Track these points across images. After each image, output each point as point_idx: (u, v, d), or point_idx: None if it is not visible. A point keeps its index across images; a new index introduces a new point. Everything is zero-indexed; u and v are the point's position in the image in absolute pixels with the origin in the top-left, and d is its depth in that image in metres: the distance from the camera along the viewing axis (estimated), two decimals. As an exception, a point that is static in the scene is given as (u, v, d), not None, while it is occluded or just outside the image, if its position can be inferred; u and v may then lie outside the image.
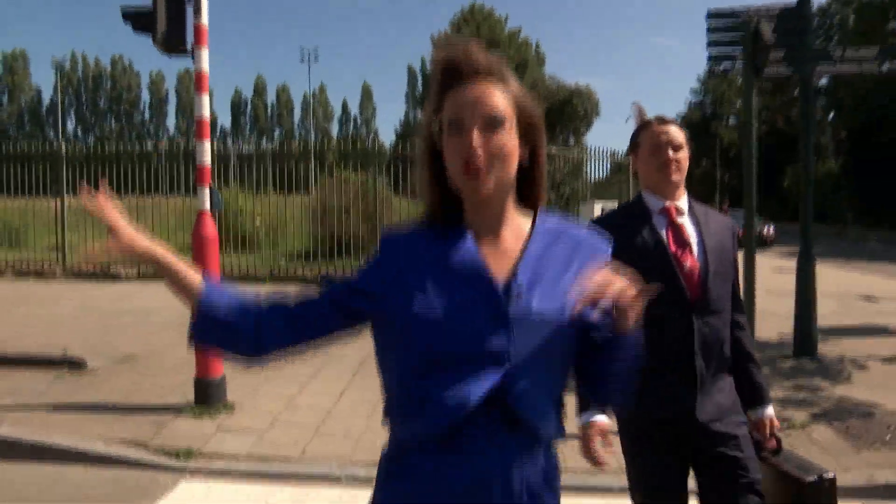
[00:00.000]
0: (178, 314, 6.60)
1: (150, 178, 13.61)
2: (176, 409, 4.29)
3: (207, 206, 4.31)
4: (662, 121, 2.02)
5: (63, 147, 12.62)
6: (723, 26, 5.60)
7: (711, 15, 5.77)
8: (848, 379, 5.33)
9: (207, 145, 4.27)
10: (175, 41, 4.10)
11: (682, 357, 1.88)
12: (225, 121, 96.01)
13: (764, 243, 24.19)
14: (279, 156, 15.34)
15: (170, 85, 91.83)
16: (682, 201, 2.01)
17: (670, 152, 1.96)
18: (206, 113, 4.24)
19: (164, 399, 4.50)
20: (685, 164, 1.99)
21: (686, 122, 63.82)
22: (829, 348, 6.35)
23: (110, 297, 9.46)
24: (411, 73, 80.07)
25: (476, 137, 1.08)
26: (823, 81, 50.05)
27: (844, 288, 11.61)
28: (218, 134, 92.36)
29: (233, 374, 4.50)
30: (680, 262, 1.91)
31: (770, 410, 2.05)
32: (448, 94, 1.12)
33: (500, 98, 1.11)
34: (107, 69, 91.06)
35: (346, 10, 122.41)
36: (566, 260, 1.17)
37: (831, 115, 46.81)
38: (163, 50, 4.13)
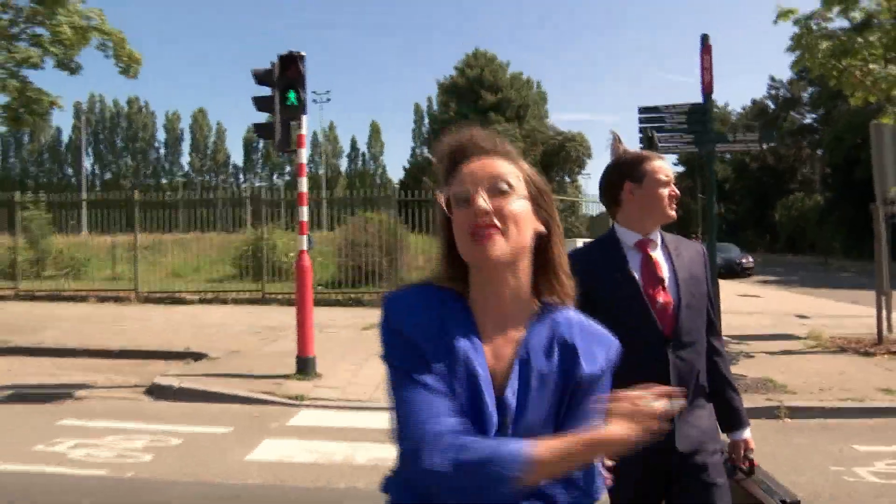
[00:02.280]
0: (247, 326, 9.26)
1: (199, 218, 16.13)
2: (284, 376, 6.64)
3: (305, 246, 6.71)
4: (660, 156, 2.06)
5: (136, 195, 15.13)
6: (645, 119, 8.06)
7: (641, 109, 8.24)
8: (735, 363, 7.61)
9: (306, 210, 6.68)
10: (285, 145, 6.56)
11: None
12: (237, 158, 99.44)
13: (742, 272, 26.39)
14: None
15: (185, 125, 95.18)
16: (655, 234, 2.03)
17: (674, 187, 2.01)
18: (305, 188, 6.68)
19: (274, 371, 6.85)
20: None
21: (685, 158, 66.89)
22: (738, 347, 8.60)
23: (185, 315, 11.85)
24: (418, 111, 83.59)
25: (482, 199, 1.04)
26: (807, 120, 53.07)
27: (791, 309, 13.93)
28: (230, 170, 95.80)
29: (319, 354, 6.89)
30: (653, 298, 1.92)
31: (746, 433, 2.09)
32: (454, 174, 1.10)
33: (506, 167, 1.09)
34: (124, 109, 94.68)
35: (356, 51, 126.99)
36: (558, 365, 1.09)
37: (820, 151, 49.38)
38: (277, 150, 6.59)
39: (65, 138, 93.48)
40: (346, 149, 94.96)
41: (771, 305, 14.96)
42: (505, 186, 1.06)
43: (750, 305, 14.84)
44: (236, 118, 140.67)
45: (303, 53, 6.48)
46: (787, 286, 21.94)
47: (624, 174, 2.03)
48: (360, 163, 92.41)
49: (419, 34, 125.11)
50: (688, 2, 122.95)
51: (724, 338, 2.12)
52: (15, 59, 10.87)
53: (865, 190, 30.42)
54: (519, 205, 1.07)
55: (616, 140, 2.17)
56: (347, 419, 5.57)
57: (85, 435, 4.99)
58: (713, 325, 2.08)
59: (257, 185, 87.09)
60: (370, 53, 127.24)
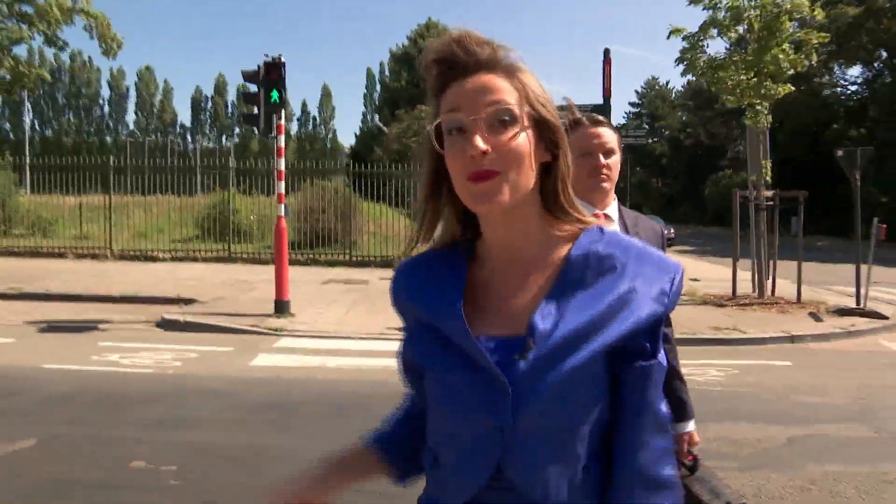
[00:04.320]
0: (221, 280, 11.17)
1: (156, 181, 17.54)
2: (265, 315, 8.47)
3: (283, 213, 8.49)
4: (595, 121, 1.87)
5: (112, 160, 16.45)
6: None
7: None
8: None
9: (283, 184, 8.47)
10: (267, 131, 8.29)
11: None
12: (185, 118, 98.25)
13: (666, 243, 29.03)
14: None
15: (130, 82, 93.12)
16: (611, 208, 1.89)
17: (601, 157, 1.83)
18: (283, 167, 8.45)
19: (255, 312, 8.67)
20: (616, 169, 1.86)
21: (631, 134, 69.88)
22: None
23: (163, 271, 13.46)
24: (370, 76, 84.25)
25: (479, 139, 0.85)
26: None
27: (689, 274, 16.32)
28: (178, 130, 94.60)
29: (293, 297, 8.76)
30: None
31: (690, 426, 1.99)
32: (446, 93, 0.90)
33: (507, 88, 0.89)
34: (66, 63, 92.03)
35: (309, 15, 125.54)
36: (605, 294, 0.88)
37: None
38: (261, 135, 8.32)
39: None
40: (297, 112, 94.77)
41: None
42: (507, 117, 0.87)
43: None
44: (184, 77, 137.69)
45: (283, 60, 8.19)
46: (699, 255, 24.55)
47: None
48: (310, 126, 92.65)
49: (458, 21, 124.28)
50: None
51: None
52: (10, 38, 12.14)
53: (787, 169, 33.30)
54: (522, 139, 0.87)
55: (571, 109, 1.86)
56: (317, 344, 7.47)
57: (124, 351, 6.77)
58: None
59: (205, 145, 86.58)
60: (324, 14, 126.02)
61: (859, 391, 5.92)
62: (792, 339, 8.20)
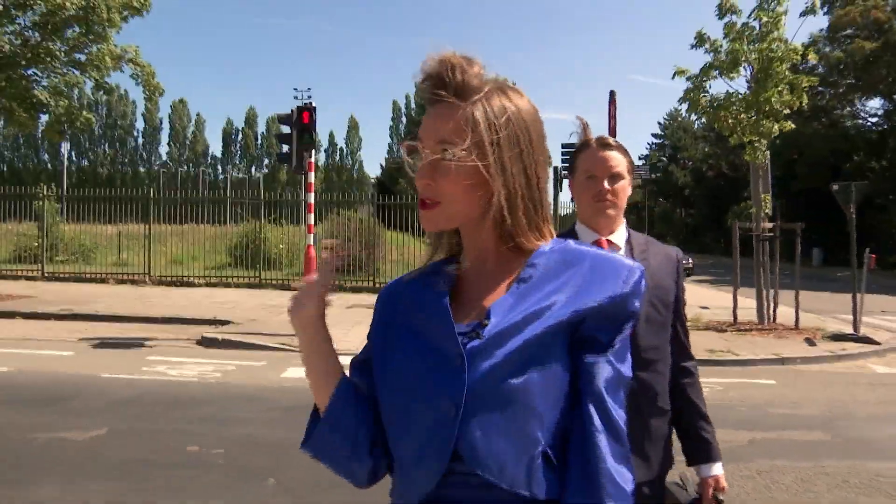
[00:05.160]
0: (253, 303, 12.03)
1: (202, 212, 18.62)
2: (294, 335, 9.27)
3: (312, 242, 9.35)
4: (604, 144, 1.79)
5: (152, 192, 17.58)
6: (567, 152, 10.81)
7: (563, 146, 11.00)
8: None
9: (312, 216, 9.35)
10: (299, 169, 9.19)
11: None
12: (216, 148, 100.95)
13: (684, 272, 29.49)
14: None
15: (163, 114, 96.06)
16: (618, 235, 1.81)
17: (606, 183, 1.76)
18: (312, 201, 9.33)
19: (285, 331, 9.47)
20: (624, 195, 1.79)
21: (652, 163, 70.55)
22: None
23: (199, 295, 14.39)
24: (396, 108, 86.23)
25: (422, 170, 0.95)
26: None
27: (700, 301, 16.81)
28: (209, 160, 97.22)
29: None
30: None
31: (717, 469, 1.86)
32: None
33: (458, 117, 0.93)
34: (103, 97, 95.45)
35: (337, 49, 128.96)
36: (559, 284, 0.94)
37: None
38: (294, 172, 9.22)
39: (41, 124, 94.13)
40: (325, 143, 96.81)
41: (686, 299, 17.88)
42: (446, 147, 0.93)
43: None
44: (216, 109, 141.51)
45: (314, 105, 9.13)
46: (717, 285, 24.98)
47: (569, 166, 1.88)
48: (337, 157, 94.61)
49: (401, 30, 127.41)
50: (661, 8, 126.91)
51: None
52: (67, 84, 13.31)
53: (804, 200, 33.70)
54: (451, 169, 0.93)
55: (584, 128, 1.81)
56: (343, 360, 8.22)
57: (170, 364, 7.61)
58: (683, 346, 1.87)
59: (235, 176, 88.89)
60: (352, 48, 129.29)
61: (830, 405, 6.52)
62: (782, 361, 8.78)
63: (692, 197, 65.94)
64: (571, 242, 1.01)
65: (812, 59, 11.39)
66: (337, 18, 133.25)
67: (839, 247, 32.46)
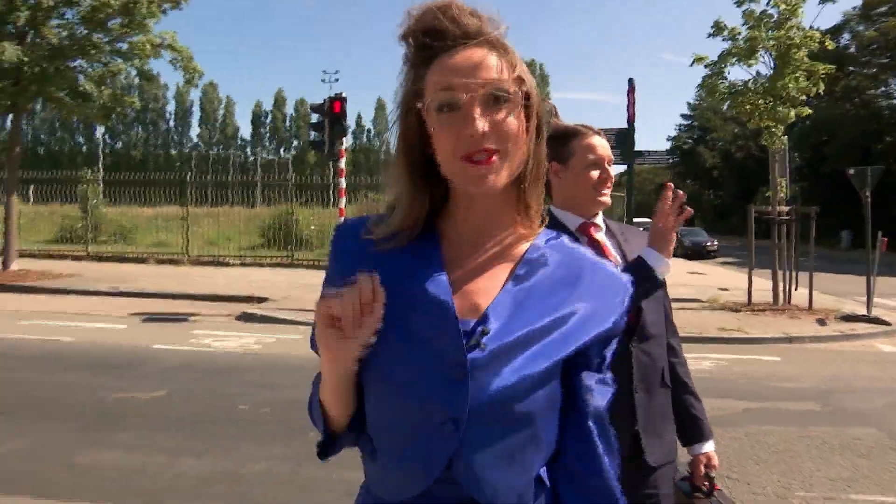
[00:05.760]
0: (292, 282, 12.69)
1: (234, 194, 19.36)
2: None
3: (343, 224, 9.94)
4: (599, 132, 1.85)
5: (189, 176, 18.34)
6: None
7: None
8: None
9: (344, 199, 9.93)
10: (331, 155, 9.76)
11: (622, 393, 1.52)
12: (245, 131, 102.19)
13: (707, 254, 29.70)
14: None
15: (195, 97, 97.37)
16: (599, 218, 1.86)
17: (609, 168, 1.81)
18: (343, 186, 9.90)
19: (319, 308, 10.13)
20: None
21: (677, 145, 70.10)
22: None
23: (235, 275, 15.12)
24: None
25: (480, 118, 0.83)
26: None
27: (720, 283, 17.13)
28: (239, 142, 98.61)
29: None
30: None
31: (708, 446, 1.90)
32: (431, 69, 0.87)
33: (500, 65, 0.86)
34: (135, 80, 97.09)
35: (363, 31, 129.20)
36: (562, 298, 0.90)
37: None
38: (325, 158, 9.79)
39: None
40: (353, 125, 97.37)
41: (708, 280, 18.20)
42: (502, 95, 0.84)
43: (691, 279, 18.07)
44: (245, 92, 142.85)
45: (345, 95, 9.66)
46: (740, 267, 25.13)
47: (550, 153, 1.63)
48: (364, 139, 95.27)
49: None
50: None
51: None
52: (110, 72, 14.02)
53: (833, 183, 33.54)
54: (517, 119, 0.86)
55: (552, 113, 1.75)
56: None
57: (214, 337, 8.28)
58: (671, 323, 1.93)
59: (265, 157, 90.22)
60: (378, 30, 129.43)
61: (830, 380, 6.94)
62: (790, 339, 9.17)
63: (720, 178, 65.36)
64: (566, 240, 0.97)
65: (829, 45, 11.48)
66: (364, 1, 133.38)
67: (875, 230, 32.28)
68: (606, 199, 1.84)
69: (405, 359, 0.86)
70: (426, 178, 0.91)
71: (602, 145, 1.84)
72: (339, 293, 0.80)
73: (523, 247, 0.93)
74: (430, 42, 0.87)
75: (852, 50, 39.19)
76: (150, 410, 5.15)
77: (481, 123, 0.83)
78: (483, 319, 0.87)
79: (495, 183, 0.85)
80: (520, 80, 0.87)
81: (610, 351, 0.94)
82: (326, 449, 0.96)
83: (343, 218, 1.32)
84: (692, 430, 1.92)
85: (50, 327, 8.50)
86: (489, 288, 0.90)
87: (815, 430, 5.12)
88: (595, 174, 1.81)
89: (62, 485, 3.67)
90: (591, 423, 0.90)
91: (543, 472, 0.91)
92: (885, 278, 17.78)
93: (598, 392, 0.92)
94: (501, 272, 0.91)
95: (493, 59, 0.86)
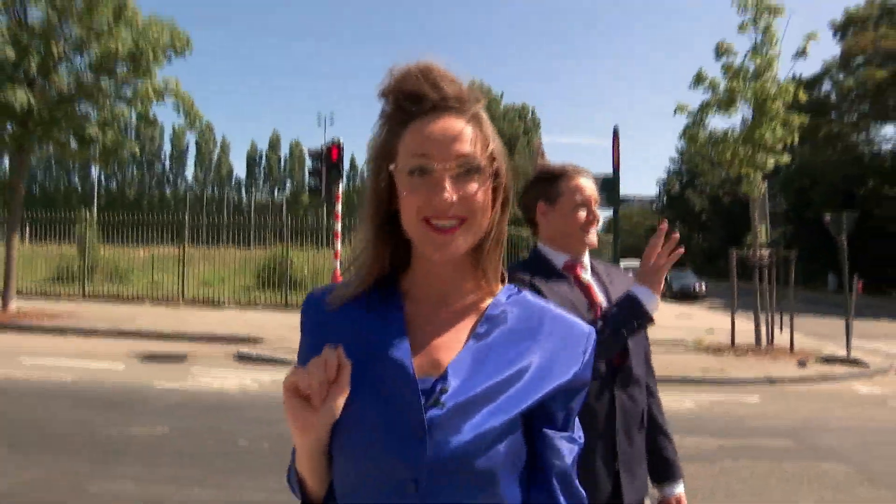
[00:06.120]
0: (286, 324, 12.90)
1: (232, 236, 19.69)
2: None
3: (338, 267, 10.26)
4: (587, 174, 1.89)
5: (186, 218, 18.71)
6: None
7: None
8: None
9: (339, 241, 10.28)
10: (328, 199, 10.15)
11: (605, 437, 1.74)
12: (240, 171, 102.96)
13: (696, 297, 30.15)
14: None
15: (190, 138, 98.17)
16: (586, 258, 1.90)
17: (595, 210, 1.86)
18: (339, 229, 10.27)
19: (313, 348, 10.38)
20: None
21: (666, 189, 71.28)
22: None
23: (230, 316, 15.35)
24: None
25: (448, 189, 0.86)
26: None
27: (706, 325, 17.48)
28: (233, 183, 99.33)
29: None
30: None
31: (680, 489, 1.93)
32: (407, 131, 0.90)
33: (474, 136, 0.89)
34: (132, 122, 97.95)
35: (357, 73, 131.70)
36: (521, 351, 0.91)
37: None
38: (324, 201, 10.17)
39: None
40: (346, 166, 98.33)
41: (694, 322, 18.56)
42: (475, 168, 0.88)
43: (677, 322, 18.42)
44: (240, 133, 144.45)
45: (342, 142, 10.10)
46: (726, 309, 25.51)
47: (537, 193, 1.90)
48: (357, 180, 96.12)
49: (423, 51, 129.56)
50: (674, 33, 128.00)
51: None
52: (116, 116, 14.46)
53: (818, 227, 34.21)
54: (485, 192, 0.89)
55: (538, 152, 2.15)
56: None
57: (212, 376, 8.51)
58: (650, 365, 1.93)
59: (259, 198, 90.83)
60: (373, 70, 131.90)
61: (805, 419, 7.24)
62: (771, 381, 9.48)
63: (709, 221, 66.29)
64: (527, 294, 0.99)
65: (802, 97, 12.06)
66: (358, 41, 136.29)
67: (857, 273, 32.85)
68: (593, 238, 1.87)
69: (367, 420, 0.87)
70: (390, 234, 0.94)
71: (589, 186, 1.88)
72: (305, 367, 0.83)
73: (485, 304, 0.96)
74: (409, 106, 0.90)
75: (833, 98, 40.43)
76: (154, 445, 5.39)
77: (450, 194, 0.86)
78: (443, 377, 0.88)
79: (456, 251, 0.89)
80: (492, 158, 0.91)
81: (577, 404, 0.94)
82: None
83: (311, 291, 0.97)
84: (665, 471, 1.93)
85: (50, 366, 8.71)
86: (451, 346, 0.92)
87: (787, 465, 5.41)
88: (582, 214, 1.85)
89: (76, 513, 3.91)
90: (555, 482, 0.90)
91: None
92: (869, 321, 18.24)
93: (564, 450, 0.91)
94: (463, 329, 0.94)
95: (468, 132, 0.89)
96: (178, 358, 9.79)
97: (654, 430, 1.93)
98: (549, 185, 1.88)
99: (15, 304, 13.80)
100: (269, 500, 4.21)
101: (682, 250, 1.77)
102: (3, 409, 6.42)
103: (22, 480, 4.42)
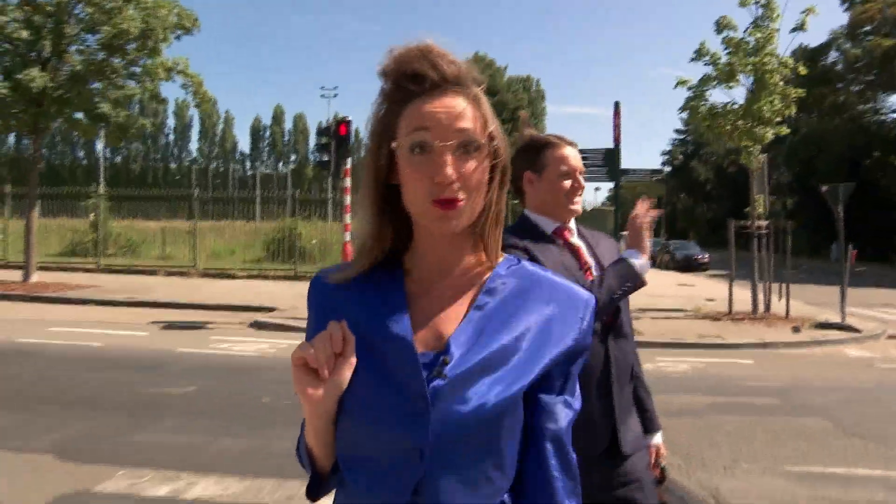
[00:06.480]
0: (296, 293, 13.41)
1: (241, 209, 20.08)
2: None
3: (349, 239, 10.65)
4: (571, 143, 1.95)
5: (195, 192, 19.09)
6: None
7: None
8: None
9: (349, 216, 10.64)
10: (337, 175, 10.50)
11: (601, 388, 1.83)
12: (244, 145, 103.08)
13: (698, 267, 30.48)
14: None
15: (194, 112, 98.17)
16: (571, 223, 1.97)
17: (580, 178, 1.93)
18: (349, 202, 10.63)
19: (325, 317, 10.82)
20: None
21: (671, 160, 71.16)
22: (636, 314, 12.55)
23: (241, 286, 15.80)
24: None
25: (450, 166, 0.88)
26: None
27: (707, 294, 17.80)
28: (238, 156, 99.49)
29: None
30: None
31: (658, 438, 2.02)
32: (407, 109, 0.92)
33: (474, 115, 0.92)
34: (143, 97, 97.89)
35: (362, 45, 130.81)
36: (520, 319, 0.94)
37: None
38: (331, 176, 10.54)
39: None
40: (351, 140, 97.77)
41: (695, 291, 18.91)
42: (474, 146, 0.90)
43: (678, 291, 18.78)
44: (244, 107, 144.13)
45: (350, 118, 10.43)
46: (728, 279, 25.90)
47: (524, 163, 1.94)
48: (362, 153, 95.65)
49: (428, 26, 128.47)
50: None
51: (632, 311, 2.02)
52: (126, 95, 14.77)
53: (824, 198, 34.33)
54: (484, 168, 0.92)
55: (523, 123, 2.01)
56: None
57: (231, 342, 8.97)
58: (630, 320, 2.00)
59: (263, 171, 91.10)
60: (377, 44, 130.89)
61: (793, 379, 7.65)
62: (765, 345, 9.88)
63: (713, 192, 66.31)
64: (526, 264, 1.01)
65: (802, 72, 12.26)
66: (362, 16, 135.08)
67: (860, 243, 33.08)
68: (578, 207, 1.94)
69: (371, 394, 0.89)
70: (391, 213, 0.96)
71: (574, 156, 1.93)
72: (311, 342, 0.87)
73: (485, 277, 0.98)
74: (409, 85, 0.92)
75: (839, 67, 40.27)
76: (185, 402, 5.85)
77: (451, 170, 0.88)
78: (445, 349, 0.91)
79: (458, 225, 0.91)
80: (491, 137, 0.93)
81: (576, 368, 0.96)
82: (315, 489, 1.00)
83: (318, 271, 1.04)
84: (644, 422, 2.00)
85: (78, 333, 9.19)
86: (453, 319, 0.94)
87: (771, 419, 5.83)
88: (567, 183, 1.91)
89: (129, 458, 4.35)
90: (548, 445, 0.93)
91: (507, 497, 0.92)
92: (871, 289, 18.57)
93: (560, 413, 0.94)
94: (464, 302, 0.96)
95: (468, 111, 0.91)
96: (198, 326, 10.25)
97: (636, 384, 2.01)
98: (535, 154, 1.94)
99: (36, 277, 14.27)
100: (295, 447, 4.65)
101: (660, 210, 1.97)
102: (41, 371, 6.89)
103: (71, 434, 4.87)
